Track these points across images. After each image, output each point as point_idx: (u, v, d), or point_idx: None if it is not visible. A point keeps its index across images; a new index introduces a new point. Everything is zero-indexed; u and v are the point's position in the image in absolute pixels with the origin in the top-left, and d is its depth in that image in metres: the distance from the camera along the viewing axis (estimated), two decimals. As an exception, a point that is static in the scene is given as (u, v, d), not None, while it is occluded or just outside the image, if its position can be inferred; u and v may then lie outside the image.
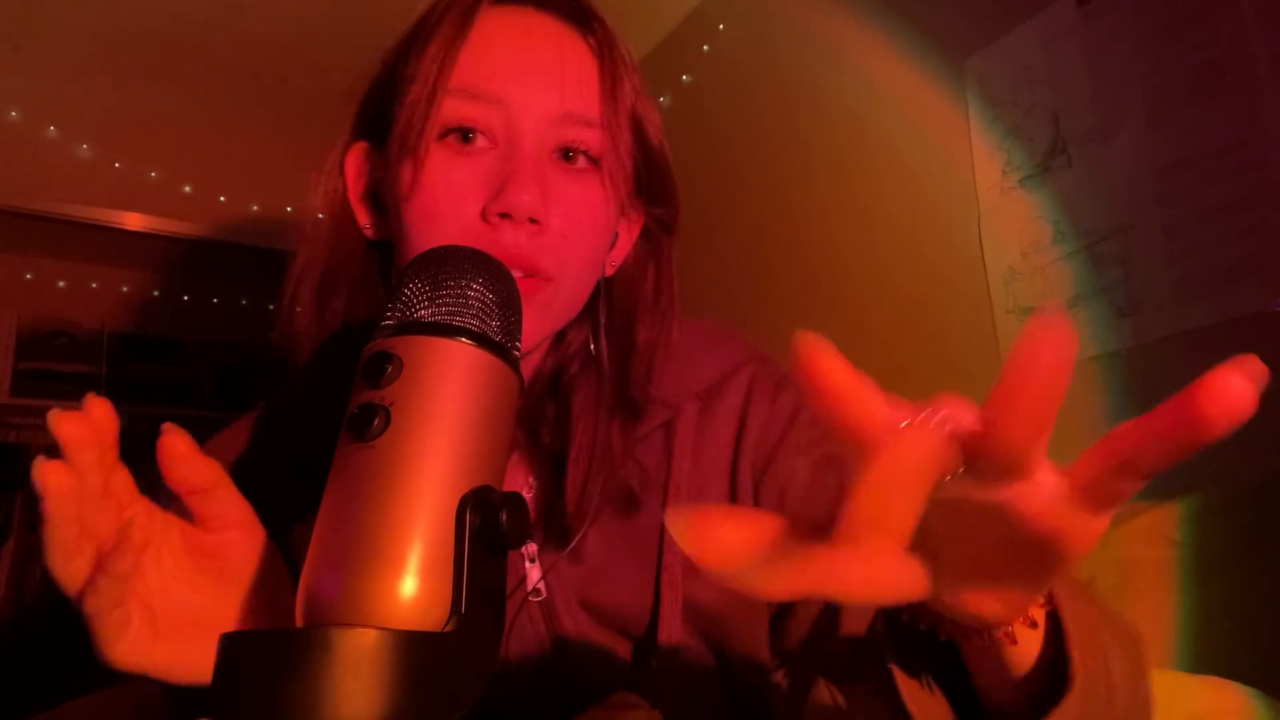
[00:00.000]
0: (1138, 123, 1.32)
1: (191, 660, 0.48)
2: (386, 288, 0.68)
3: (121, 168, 2.89)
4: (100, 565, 0.43)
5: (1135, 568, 1.03)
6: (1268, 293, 1.14)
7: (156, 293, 3.26)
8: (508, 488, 0.43)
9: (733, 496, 0.70)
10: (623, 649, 0.69)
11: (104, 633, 0.45)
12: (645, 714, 0.61)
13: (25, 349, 2.88)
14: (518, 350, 0.47)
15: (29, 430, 2.77)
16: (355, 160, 0.70)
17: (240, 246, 3.02)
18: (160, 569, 0.49)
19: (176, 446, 0.46)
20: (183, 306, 3.29)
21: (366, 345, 0.44)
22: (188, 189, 2.97)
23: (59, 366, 2.92)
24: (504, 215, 0.59)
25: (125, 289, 3.21)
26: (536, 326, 0.62)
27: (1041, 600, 0.40)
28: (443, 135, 0.62)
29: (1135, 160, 1.32)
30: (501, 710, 0.48)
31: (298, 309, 0.68)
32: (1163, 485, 1.20)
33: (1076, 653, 0.40)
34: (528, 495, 0.70)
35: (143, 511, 0.47)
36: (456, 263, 0.46)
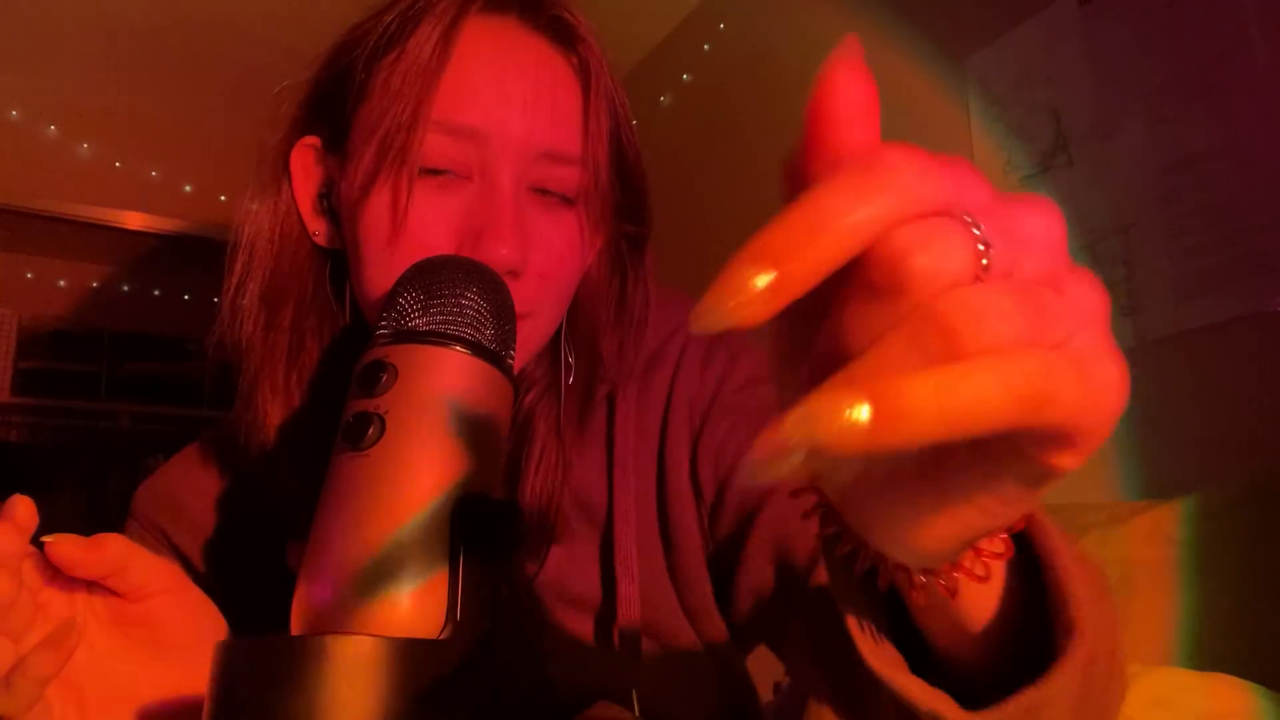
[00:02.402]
0: (1139, 122, 1.31)
1: None
2: (338, 299, 0.64)
3: (122, 167, 2.90)
4: (20, 667, 0.42)
5: (1136, 567, 1.03)
6: (1269, 292, 1.14)
7: (157, 292, 3.26)
8: None
9: (661, 477, 0.67)
10: (586, 628, 0.66)
11: None
12: None
13: (26, 348, 2.88)
14: (512, 358, 0.47)
15: (30, 429, 2.77)
16: (303, 158, 0.65)
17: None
18: (90, 648, 0.47)
19: (67, 554, 0.44)
20: (183, 306, 3.29)
21: (362, 354, 0.44)
22: (188, 188, 2.97)
23: (60, 366, 2.92)
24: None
25: (126, 288, 3.21)
26: (519, 359, 0.59)
27: (997, 542, 0.31)
28: (422, 167, 0.58)
29: (1136, 159, 1.31)
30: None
31: (241, 317, 0.64)
32: (1164, 484, 1.20)
33: (1077, 606, 0.33)
34: None
35: (61, 597, 0.46)
36: (451, 273, 0.46)
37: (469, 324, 0.44)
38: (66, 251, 3.04)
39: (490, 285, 0.47)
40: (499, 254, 0.55)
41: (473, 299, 0.45)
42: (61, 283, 3.11)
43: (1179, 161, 1.26)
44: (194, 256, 3.12)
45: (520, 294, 0.54)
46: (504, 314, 0.46)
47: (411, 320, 0.44)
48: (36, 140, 2.78)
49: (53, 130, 2.80)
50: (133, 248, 2.99)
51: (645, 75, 2.53)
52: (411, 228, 0.57)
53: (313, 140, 0.65)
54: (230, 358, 0.65)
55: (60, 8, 2.42)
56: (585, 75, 0.62)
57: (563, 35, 0.63)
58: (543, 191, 0.61)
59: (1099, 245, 1.36)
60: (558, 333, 0.68)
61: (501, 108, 0.58)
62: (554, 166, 0.60)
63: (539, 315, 0.61)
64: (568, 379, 0.66)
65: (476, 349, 0.43)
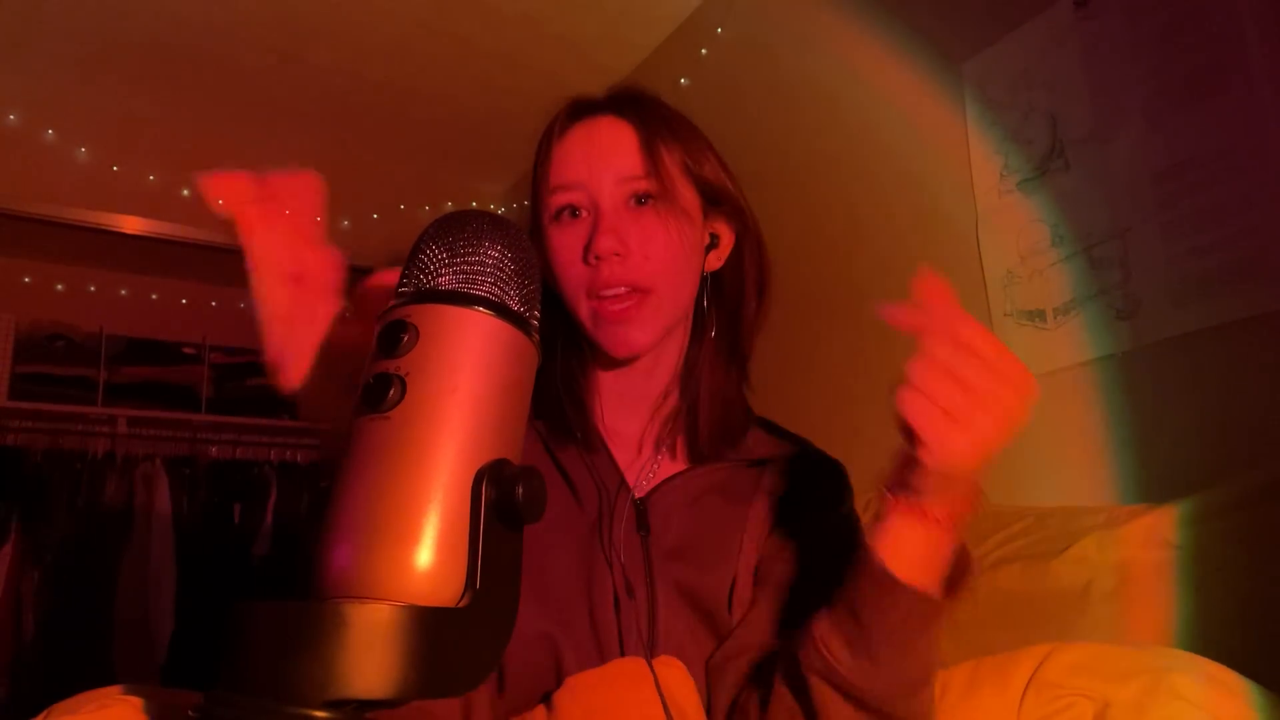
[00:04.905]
0: (1135, 125, 1.32)
1: None
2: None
3: (120, 171, 2.89)
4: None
5: (1133, 570, 1.03)
6: (1266, 295, 1.14)
7: (155, 296, 3.26)
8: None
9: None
10: (705, 633, 0.83)
11: None
12: (675, 669, 0.74)
13: (23, 352, 2.88)
14: (536, 318, 0.46)
15: (28, 433, 2.76)
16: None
17: (238, 250, 3.02)
18: None
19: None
20: (181, 310, 3.28)
21: (382, 313, 0.43)
22: (186, 192, 2.97)
23: (57, 370, 2.91)
24: (597, 257, 0.84)
25: (123, 292, 3.21)
26: (652, 329, 0.86)
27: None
28: (555, 215, 0.88)
29: (1133, 163, 1.32)
30: None
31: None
32: (1161, 488, 1.20)
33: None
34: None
35: None
36: (475, 227, 0.44)
37: (492, 283, 0.43)
38: (64, 255, 3.03)
39: (515, 242, 0.45)
40: (602, 245, 0.83)
41: (497, 256, 0.44)
42: (59, 287, 3.10)
43: (1175, 165, 1.26)
44: (192, 261, 3.12)
45: (635, 271, 0.84)
46: (528, 274, 0.45)
47: (434, 278, 0.43)
48: (35, 144, 2.77)
49: (51, 134, 2.80)
50: (131, 251, 2.99)
51: (643, 79, 2.53)
52: (558, 252, 0.87)
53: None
54: None
55: (59, 12, 2.42)
56: (640, 126, 0.90)
57: (623, 107, 0.92)
58: (636, 203, 0.87)
59: (1096, 248, 1.36)
60: (706, 305, 0.94)
61: (587, 162, 0.88)
62: (634, 183, 0.87)
63: (655, 289, 0.86)
64: (710, 333, 0.94)
65: (500, 310, 0.42)
